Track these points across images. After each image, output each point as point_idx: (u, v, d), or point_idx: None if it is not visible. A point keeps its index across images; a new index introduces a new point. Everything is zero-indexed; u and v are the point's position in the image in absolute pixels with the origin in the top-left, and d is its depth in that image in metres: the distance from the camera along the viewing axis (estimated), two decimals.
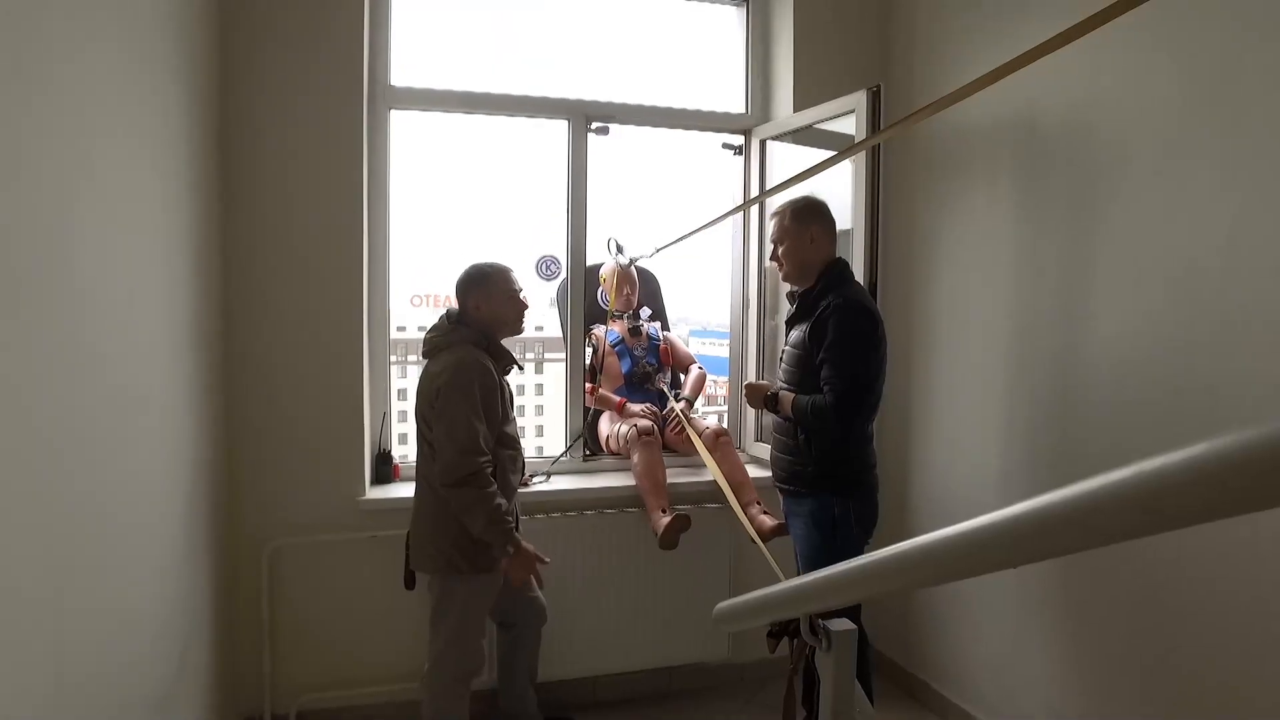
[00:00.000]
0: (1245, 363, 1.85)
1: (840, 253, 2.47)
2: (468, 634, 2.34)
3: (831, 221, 2.41)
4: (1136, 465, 0.62)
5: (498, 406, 2.28)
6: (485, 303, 2.36)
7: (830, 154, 2.96)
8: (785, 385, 2.40)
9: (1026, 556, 0.79)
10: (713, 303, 3.76)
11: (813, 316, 2.30)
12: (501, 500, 2.23)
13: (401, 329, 3.25)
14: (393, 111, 2.87)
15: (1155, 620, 2.09)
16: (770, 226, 2.50)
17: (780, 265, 2.44)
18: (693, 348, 3.51)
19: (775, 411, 2.41)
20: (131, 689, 1.75)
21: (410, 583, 2.52)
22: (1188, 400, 1.98)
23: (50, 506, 1.37)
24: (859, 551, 2.25)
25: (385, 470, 2.88)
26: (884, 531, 3.12)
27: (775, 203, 3.05)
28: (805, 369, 2.32)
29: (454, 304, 2.46)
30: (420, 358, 2.44)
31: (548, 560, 2.39)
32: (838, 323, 2.23)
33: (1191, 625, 1.99)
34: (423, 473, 2.33)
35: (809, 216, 2.38)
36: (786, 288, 2.58)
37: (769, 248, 2.49)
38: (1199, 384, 1.95)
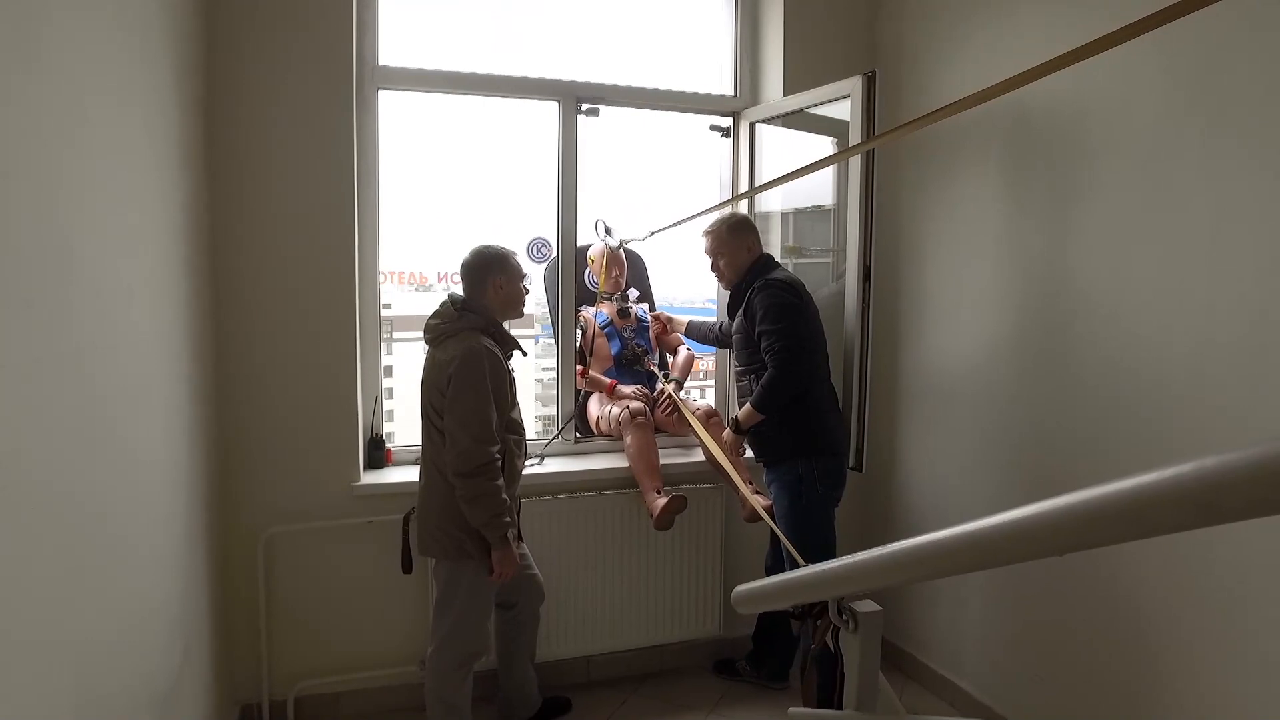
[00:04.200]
0: (1226, 350, 1.93)
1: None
2: (473, 618, 2.36)
3: (757, 232, 2.82)
4: (1197, 461, 0.65)
5: (507, 393, 2.29)
6: (508, 283, 2.39)
7: (823, 139, 3.00)
8: (739, 367, 2.77)
9: (1073, 545, 0.83)
10: (694, 282, 3.76)
11: (743, 301, 2.69)
12: (505, 496, 2.25)
13: (387, 306, 3.24)
14: (381, 92, 2.82)
15: (1116, 601, 2.19)
16: (706, 243, 2.82)
17: (721, 275, 2.82)
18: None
19: (750, 429, 2.70)
20: (141, 686, 1.72)
21: (408, 566, 2.52)
22: (1170, 386, 2.06)
23: (59, 506, 1.33)
24: (826, 507, 2.67)
25: (378, 455, 2.86)
26: (872, 511, 3.20)
27: (772, 192, 3.10)
28: (751, 347, 2.67)
29: (452, 290, 2.45)
30: (412, 341, 2.43)
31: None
32: (762, 299, 2.61)
33: (1136, 600, 2.10)
34: (431, 459, 2.32)
35: (743, 231, 2.77)
36: None
37: (708, 261, 2.83)
38: (1181, 370, 2.03)
